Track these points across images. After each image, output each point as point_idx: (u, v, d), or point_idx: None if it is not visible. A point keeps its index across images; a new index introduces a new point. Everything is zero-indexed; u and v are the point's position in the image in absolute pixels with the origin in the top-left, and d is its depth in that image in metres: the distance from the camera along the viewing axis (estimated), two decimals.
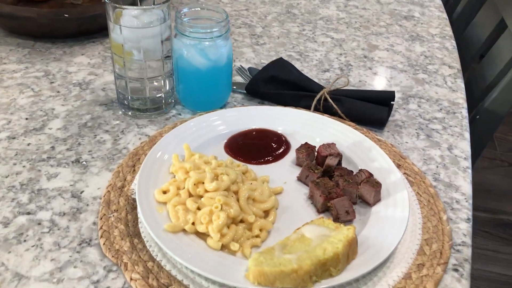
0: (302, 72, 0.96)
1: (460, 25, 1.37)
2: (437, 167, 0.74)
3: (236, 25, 1.15)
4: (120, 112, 0.81)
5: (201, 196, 0.59)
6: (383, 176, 0.65)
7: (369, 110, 0.81)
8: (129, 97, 0.79)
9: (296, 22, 1.19)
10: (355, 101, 0.82)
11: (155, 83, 0.78)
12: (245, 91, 0.87)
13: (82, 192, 0.65)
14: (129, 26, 0.71)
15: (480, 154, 1.16)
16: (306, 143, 0.70)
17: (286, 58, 1.02)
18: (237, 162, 0.68)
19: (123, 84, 0.78)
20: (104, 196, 0.64)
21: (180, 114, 0.82)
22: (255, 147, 0.72)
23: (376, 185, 0.62)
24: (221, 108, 0.84)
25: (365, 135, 0.76)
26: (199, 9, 0.79)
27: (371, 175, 0.64)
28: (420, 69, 1.01)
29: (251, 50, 1.05)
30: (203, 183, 0.59)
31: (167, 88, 0.80)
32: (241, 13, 1.22)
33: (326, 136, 0.74)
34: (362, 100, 0.83)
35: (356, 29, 1.17)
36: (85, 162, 0.70)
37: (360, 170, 0.65)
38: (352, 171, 0.65)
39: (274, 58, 1.01)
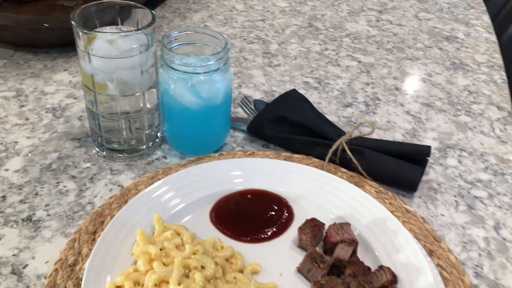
0: (320, 105, 0.80)
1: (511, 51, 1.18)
2: (480, 255, 0.58)
3: (248, 40, 1.00)
4: (94, 151, 0.67)
5: None
6: (410, 276, 0.50)
7: (397, 169, 0.65)
8: (103, 136, 0.65)
9: (318, 39, 1.03)
10: (380, 156, 0.66)
11: (134, 122, 0.64)
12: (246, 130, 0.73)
13: (25, 266, 0.52)
14: (101, 55, 0.57)
15: None
16: (312, 219, 0.55)
17: (302, 85, 0.86)
18: (223, 238, 0.54)
19: (96, 121, 0.64)
20: (49, 276, 0.50)
21: (165, 158, 0.68)
22: (249, 216, 0.57)
23: None
24: (216, 151, 0.69)
25: (391, 202, 0.61)
26: (193, 32, 0.64)
27: (394, 278, 0.49)
28: (462, 109, 0.84)
29: (262, 72, 0.90)
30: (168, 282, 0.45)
31: (150, 126, 0.66)
32: (255, 24, 1.06)
33: (340, 206, 0.59)
34: (389, 154, 0.67)
35: (388, 51, 1.00)
36: (39, 221, 0.57)
37: (381, 267, 0.50)
38: (369, 269, 0.50)
39: (287, 85, 0.86)
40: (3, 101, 0.75)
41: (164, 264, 0.47)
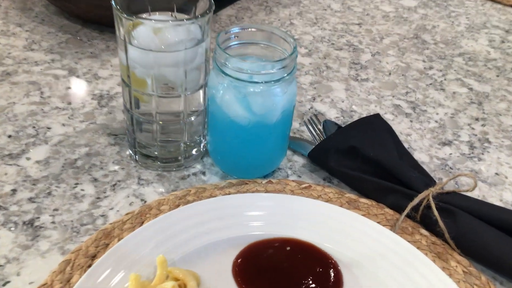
0: (409, 138, 0.64)
1: None
2: None
3: (337, 45, 0.85)
4: (128, 153, 0.58)
5: None
6: None
7: (502, 247, 0.47)
8: (135, 138, 0.55)
9: (423, 54, 0.85)
10: (479, 224, 0.49)
11: (172, 127, 0.54)
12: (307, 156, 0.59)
13: (6, 284, 0.44)
14: (139, 45, 0.47)
15: None
16: None
17: (390, 108, 0.70)
18: None
19: (129, 120, 0.54)
20: None
21: (204, 174, 0.57)
22: (282, 275, 0.44)
23: None
24: (265, 176, 0.57)
25: None
26: (256, 30, 0.52)
27: None
28: None
29: (344, 86, 0.75)
30: None
31: (190, 134, 0.55)
32: (350, 28, 0.91)
33: (407, 287, 0.43)
34: (492, 223, 0.49)
35: (511, 82, 0.80)
36: (40, 227, 0.49)
37: None
38: None
39: (372, 106, 0.70)
40: (51, 80, 0.69)
41: None
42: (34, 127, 0.61)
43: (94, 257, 0.45)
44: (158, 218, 0.45)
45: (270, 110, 0.50)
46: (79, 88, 0.68)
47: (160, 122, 0.52)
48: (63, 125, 0.62)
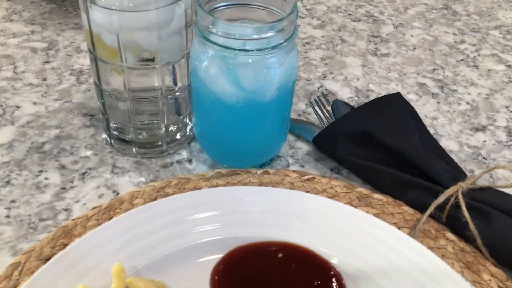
0: (435, 122, 0.54)
1: None
2: None
3: (355, 16, 0.75)
4: (104, 136, 0.50)
5: None
6: None
7: None
8: (109, 119, 0.47)
9: (454, 27, 0.74)
10: None
11: (148, 106, 0.45)
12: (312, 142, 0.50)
13: None
14: (102, 4, 0.38)
15: None
16: None
17: (414, 87, 0.60)
18: None
19: (99, 97, 0.46)
20: None
21: (190, 162, 0.49)
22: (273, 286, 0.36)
23: None
24: (262, 165, 0.48)
25: None
26: None
27: None
28: None
29: (361, 62, 0.65)
30: None
31: (170, 116, 0.47)
32: None
33: None
34: None
35: None
36: None
37: None
38: None
39: (393, 84, 0.61)
40: (28, 53, 0.62)
41: None
42: (1, 105, 0.54)
43: (48, 260, 0.38)
44: (121, 216, 0.37)
45: (263, 86, 0.41)
46: (57, 62, 0.61)
47: (133, 100, 0.44)
48: (34, 103, 0.54)
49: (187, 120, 0.49)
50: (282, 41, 0.40)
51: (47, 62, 0.61)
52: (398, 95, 0.52)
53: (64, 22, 0.68)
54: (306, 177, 0.46)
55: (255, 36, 0.39)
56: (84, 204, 0.44)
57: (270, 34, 0.39)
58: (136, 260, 0.35)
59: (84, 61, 0.61)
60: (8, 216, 0.42)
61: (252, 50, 0.39)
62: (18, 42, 0.64)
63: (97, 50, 0.42)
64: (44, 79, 0.58)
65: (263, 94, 0.41)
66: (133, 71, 0.42)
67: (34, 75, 0.58)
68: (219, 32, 0.39)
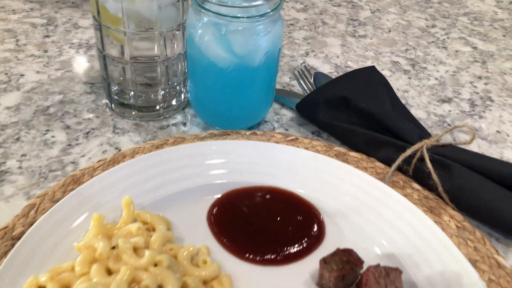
0: (406, 94, 0.60)
1: None
2: None
3: (335, 1, 0.81)
4: (104, 102, 0.55)
5: None
6: None
7: (498, 201, 0.44)
8: (110, 84, 0.52)
9: (426, 13, 0.81)
10: (475, 177, 0.45)
11: (148, 71, 0.50)
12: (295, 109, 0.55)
13: None
14: None
15: None
16: (347, 250, 0.37)
17: (388, 65, 0.66)
18: (217, 249, 0.38)
19: (102, 62, 0.50)
20: None
21: (184, 125, 0.53)
22: (261, 225, 0.41)
23: None
24: (250, 128, 0.53)
25: (476, 247, 0.41)
26: None
27: None
28: None
29: (340, 42, 0.70)
30: None
31: (168, 81, 0.51)
32: None
33: (395, 240, 0.40)
34: (490, 177, 0.46)
35: None
36: (6, 172, 0.46)
37: None
38: None
39: (369, 62, 0.66)
40: (28, 28, 0.66)
41: (110, 269, 0.33)
42: (6, 73, 0.57)
43: (58, 201, 0.42)
44: (127, 162, 0.42)
45: (253, 51, 0.46)
46: (57, 36, 0.65)
47: (134, 65, 0.48)
48: (38, 72, 0.58)
49: (182, 88, 0.54)
50: (269, 10, 0.45)
51: (47, 36, 0.64)
52: (373, 68, 0.58)
53: (62, 1, 0.72)
54: (290, 138, 0.52)
55: (245, 4, 0.44)
56: (90, 158, 0.48)
57: (258, 2, 0.44)
58: (142, 198, 0.40)
59: (82, 36, 0.65)
60: (20, 167, 0.46)
61: (243, 17, 0.44)
62: (18, 17, 0.67)
63: (102, 17, 0.46)
64: (45, 51, 0.62)
65: (252, 59, 0.46)
66: (135, 37, 0.46)
67: (35, 48, 0.62)
68: (213, 0, 0.44)
